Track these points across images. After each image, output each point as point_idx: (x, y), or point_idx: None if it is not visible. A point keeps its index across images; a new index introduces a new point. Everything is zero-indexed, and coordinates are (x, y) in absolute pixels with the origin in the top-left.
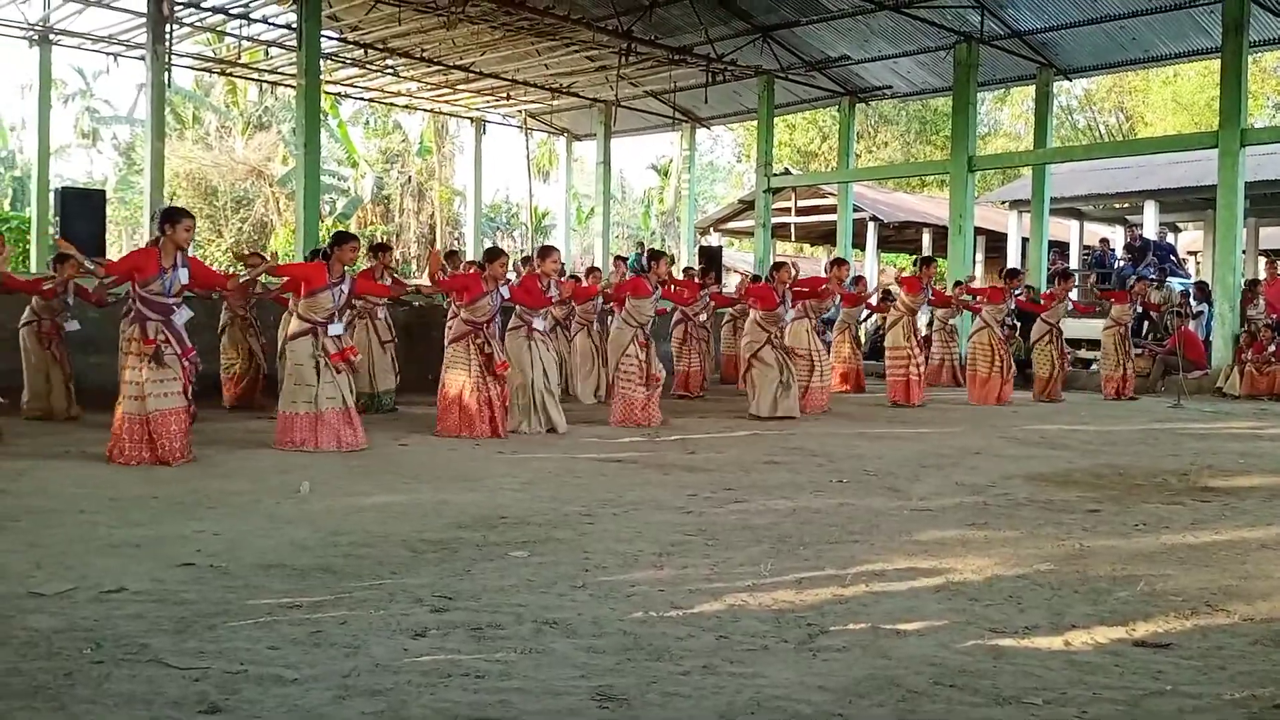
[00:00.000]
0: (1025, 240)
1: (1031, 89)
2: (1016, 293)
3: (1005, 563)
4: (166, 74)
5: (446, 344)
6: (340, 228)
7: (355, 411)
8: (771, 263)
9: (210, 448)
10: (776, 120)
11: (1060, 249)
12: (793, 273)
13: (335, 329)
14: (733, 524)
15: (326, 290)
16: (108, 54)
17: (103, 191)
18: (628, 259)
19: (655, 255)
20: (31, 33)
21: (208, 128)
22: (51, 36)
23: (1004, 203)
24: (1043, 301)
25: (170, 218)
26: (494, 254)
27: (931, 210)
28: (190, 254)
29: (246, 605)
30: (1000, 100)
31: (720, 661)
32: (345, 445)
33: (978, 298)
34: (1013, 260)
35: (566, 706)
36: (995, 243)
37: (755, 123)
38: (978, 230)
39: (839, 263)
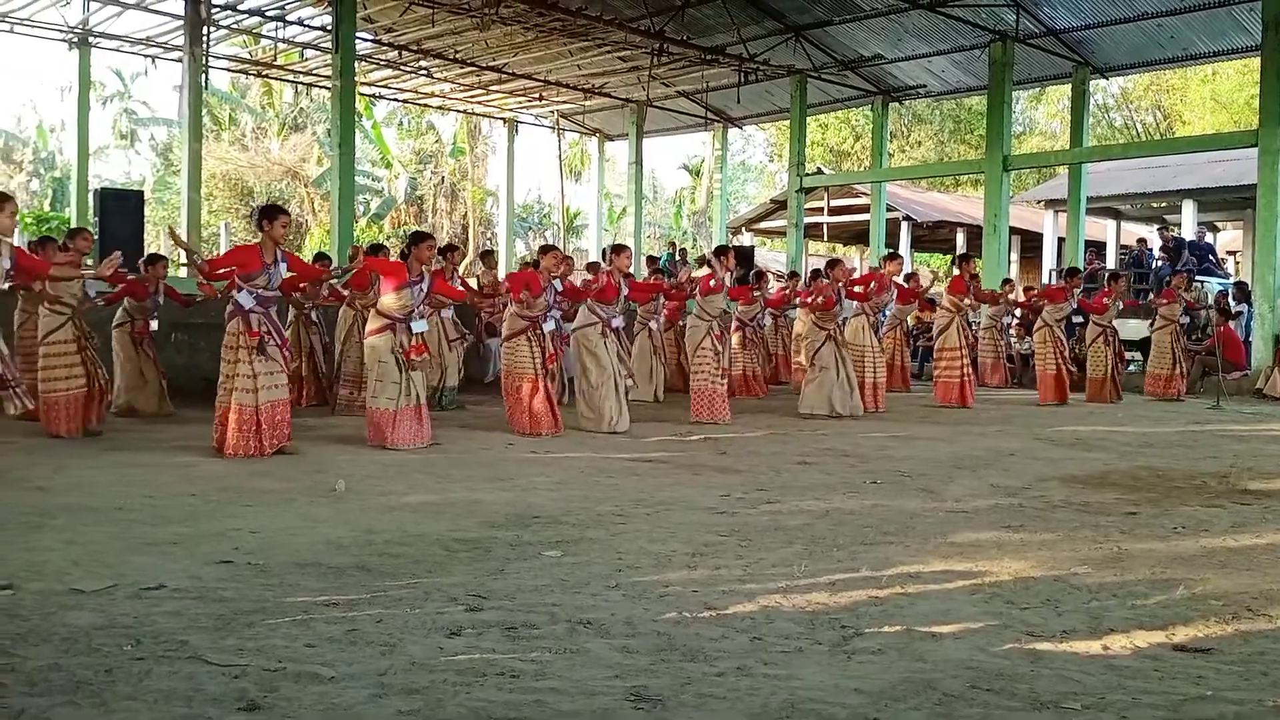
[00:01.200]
0: (1061, 240)
1: (1068, 87)
2: (1077, 292)
3: (1042, 565)
4: (203, 76)
5: (502, 341)
6: (374, 229)
7: (426, 408)
8: (827, 260)
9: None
10: (809, 120)
11: (1097, 249)
12: (848, 269)
13: (419, 325)
14: (765, 525)
15: (407, 288)
16: (146, 56)
17: (141, 192)
18: (659, 259)
19: (618, 249)
20: (71, 35)
21: (244, 129)
22: (90, 39)
23: (1039, 202)
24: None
25: (268, 215)
26: (547, 249)
27: (966, 210)
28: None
29: (284, 603)
30: (1036, 99)
31: (754, 663)
32: (419, 441)
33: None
34: (1049, 260)
35: (601, 707)
36: (1030, 242)
37: (788, 122)
38: (1013, 230)
39: (834, 263)
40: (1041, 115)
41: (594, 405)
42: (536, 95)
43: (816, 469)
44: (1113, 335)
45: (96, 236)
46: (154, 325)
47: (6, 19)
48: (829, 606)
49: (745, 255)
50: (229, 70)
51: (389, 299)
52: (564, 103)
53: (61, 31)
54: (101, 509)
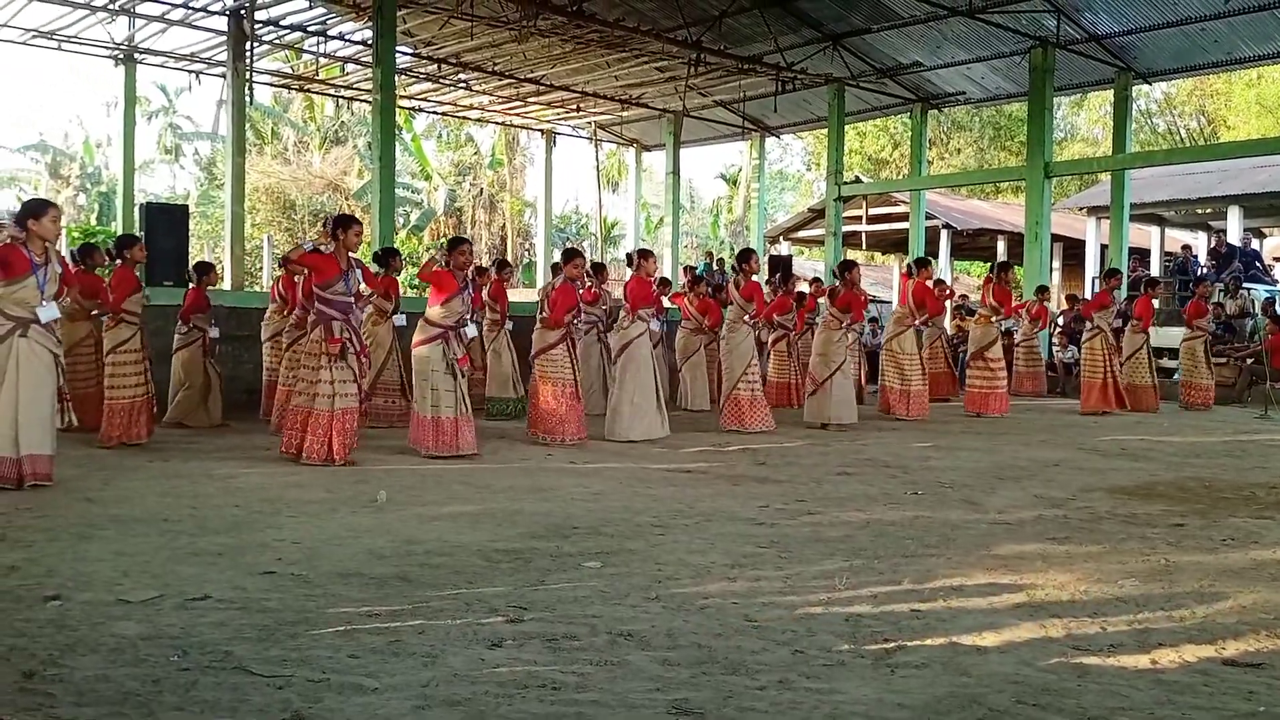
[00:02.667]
0: (1104, 247)
1: (1110, 93)
2: (1119, 292)
3: (1088, 578)
4: (247, 90)
5: (535, 354)
6: (414, 240)
7: (471, 417)
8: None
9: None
10: (847, 128)
11: (1140, 256)
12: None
13: (471, 330)
14: (805, 536)
15: (457, 295)
16: (190, 72)
17: (186, 206)
18: (697, 268)
19: (645, 254)
20: (117, 52)
21: (286, 143)
22: (136, 55)
23: (1082, 209)
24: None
25: (342, 224)
26: (570, 254)
27: (1006, 217)
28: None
29: (326, 614)
30: (1077, 105)
31: (796, 676)
32: (467, 448)
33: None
34: (1091, 268)
35: None
36: (1073, 249)
37: (825, 131)
38: (1054, 237)
39: (849, 265)
40: (1083, 121)
41: (628, 414)
42: (574, 106)
43: (857, 480)
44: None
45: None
46: (214, 333)
47: (54, 36)
48: (871, 619)
49: (783, 264)
50: (271, 85)
51: (435, 310)
52: (601, 113)
53: (108, 48)
54: (148, 519)
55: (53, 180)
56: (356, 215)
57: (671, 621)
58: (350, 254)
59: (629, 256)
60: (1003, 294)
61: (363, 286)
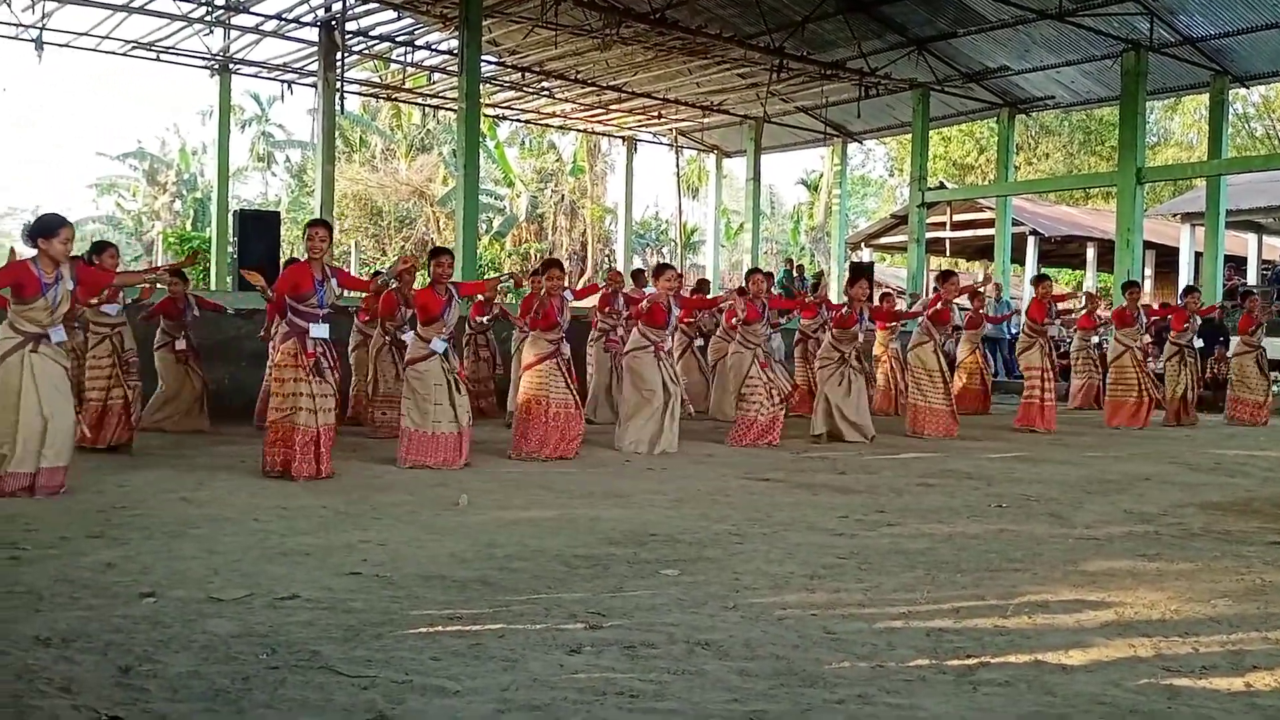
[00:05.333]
0: (1198, 255)
1: (1205, 96)
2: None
3: (1179, 597)
4: (337, 100)
5: (522, 368)
6: (496, 246)
7: (470, 430)
8: (851, 266)
9: (367, 458)
10: (931, 133)
11: (1236, 264)
12: (864, 289)
13: (438, 345)
14: (885, 548)
15: (440, 313)
16: (282, 81)
17: (277, 213)
18: (774, 275)
19: (661, 269)
20: (213, 63)
21: (373, 150)
22: (231, 66)
23: (1175, 215)
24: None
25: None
26: (548, 265)
27: (1096, 224)
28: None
29: (410, 615)
30: (1170, 109)
31: (876, 691)
32: (456, 462)
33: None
34: (1185, 277)
35: None
36: (1166, 258)
37: (909, 136)
38: (1147, 244)
39: (857, 274)
40: (1177, 125)
41: (643, 428)
42: (655, 113)
43: (939, 491)
44: (1192, 356)
45: (235, 255)
46: (179, 344)
47: (153, 47)
48: (953, 634)
49: (865, 271)
50: (360, 94)
51: (424, 329)
52: (682, 120)
53: (204, 59)
54: (239, 519)
55: (150, 187)
56: (325, 220)
57: (749, 631)
58: (327, 264)
59: (639, 271)
60: (1039, 309)
61: (338, 293)
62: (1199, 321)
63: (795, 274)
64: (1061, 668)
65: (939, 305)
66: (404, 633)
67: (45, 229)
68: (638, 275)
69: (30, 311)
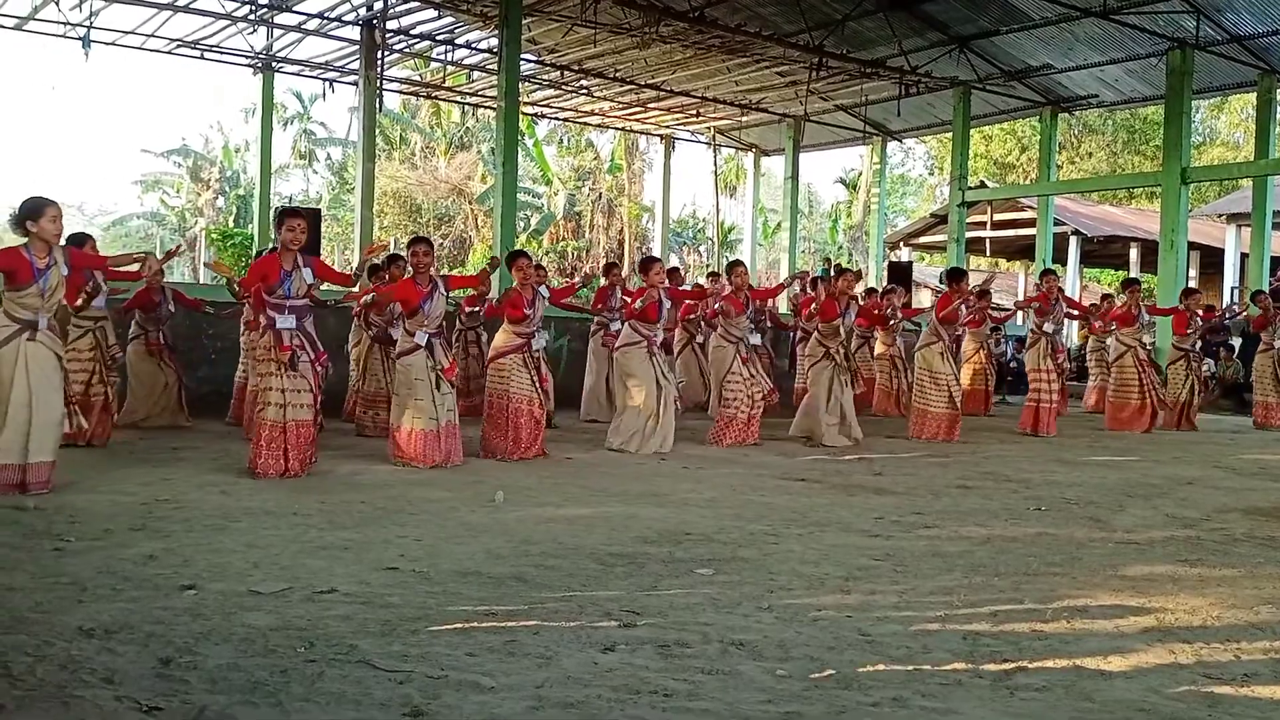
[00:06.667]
0: (1244, 256)
1: (1252, 95)
2: (1199, 313)
3: (1221, 603)
4: (377, 98)
5: (487, 360)
6: (534, 244)
7: (458, 427)
8: (835, 266)
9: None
10: (972, 131)
11: None
12: (852, 280)
13: (421, 338)
14: (922, 550)
15: (422, 304)
16: (324, 80)
17: (318, 210)
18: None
19: (648, 262)
20: (256, 61)
21: (413, 148)
22: (273, 64)
23: (1221, 216)
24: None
25: (278, 220)
26: (514, 257)
27: (1140, 224)
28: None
29: (446, 611)
30: (1216, 108)
31: (911, 694)
32: (452, 461)
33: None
34: (1230, 278)
35: None
36: (1211, 259)
37: (949, 134)
38: (1191, 245)
39: (841, 271)
40: (1223, 125)
41: (631, 425)
42: (693, 112)
43: (977, 493)
44: (1195, 358)
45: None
46: (152, 334)
47: (197, 45)
48: (990, 638)
49: (903, 271)
50: (401, 92)
51: (409, 322)
52: (720, 118)
53: (247, 57)
54: (279, 513)
55: (194, 183)
56: (296, 208)
57: (784, 632)
58: (298, 253)
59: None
60: (1041, 300)
61: (310, 283)
62: (1200, 323)
63: (834, 273)
64: (1100, 673)
65: (951, 306)
66: (440, 628)
67: (32, 211)
68: (674, 274)
69: (24, 298)
